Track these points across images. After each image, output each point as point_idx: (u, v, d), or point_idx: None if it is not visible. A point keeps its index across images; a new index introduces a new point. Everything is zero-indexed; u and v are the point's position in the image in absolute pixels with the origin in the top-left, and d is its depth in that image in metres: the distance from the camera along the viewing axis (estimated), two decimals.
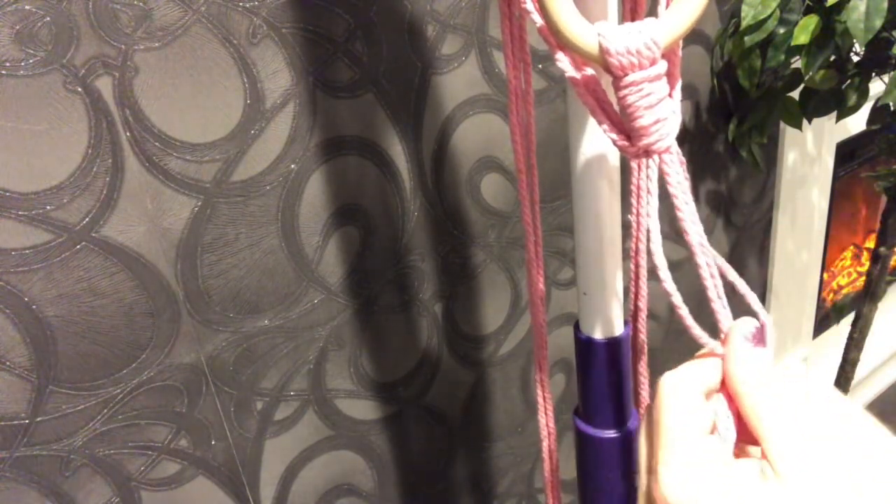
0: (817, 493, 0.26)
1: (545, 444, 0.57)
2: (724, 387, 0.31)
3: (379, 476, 0.84)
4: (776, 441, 0.28)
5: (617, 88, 0.31)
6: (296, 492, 0.77)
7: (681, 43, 0.32)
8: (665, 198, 0.32)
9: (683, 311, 0.33)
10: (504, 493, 0.99)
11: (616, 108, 0.33)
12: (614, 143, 0.33)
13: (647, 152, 0.32)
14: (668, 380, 0.31)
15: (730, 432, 0.30)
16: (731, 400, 0.31)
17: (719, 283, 0.33)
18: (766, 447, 0.28)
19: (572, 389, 1.01)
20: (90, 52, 0.53)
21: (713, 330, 0.34)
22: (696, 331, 0.33)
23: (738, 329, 0.31)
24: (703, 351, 0.33)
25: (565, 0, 0.30)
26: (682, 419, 0.29)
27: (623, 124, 0.32)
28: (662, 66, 0.30)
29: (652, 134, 0.31)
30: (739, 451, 0.31)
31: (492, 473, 0.96)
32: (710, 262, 0.33)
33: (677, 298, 0.32)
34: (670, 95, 0.32)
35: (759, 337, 0.31)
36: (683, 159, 0.32)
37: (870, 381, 1.74)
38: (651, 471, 0.30)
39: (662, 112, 0.31)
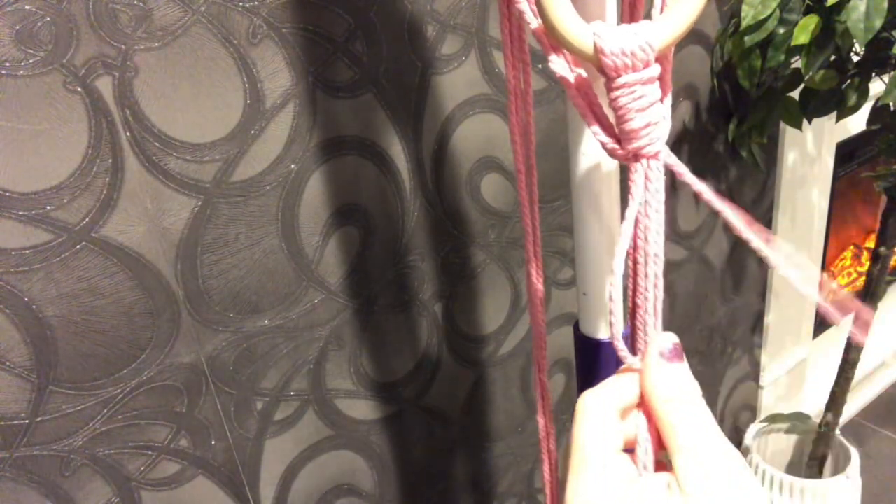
0: None
1: (545, 444, 0.57)
2: (643, 402, 0.32)
3: (379, 476, 0.84)
4: (683, 455, 0.29)
5: (609, 90, 0.31)
6: (296, 492, 0.77)
7: (673, 49, 0.32)
8: (668, 196, 0.33)
9: (616, 325, 0.33)
10: (504, 493, 0.99)
11: (607, 111, 0.33)
12: (604, 146, 0.33)
13: (637, 156, 0.32)
14: (585, 398, 0.32)
15: (646, 447, 0.31)
16: (650, 415, 0.31)
17: (660, 296, 0.33)
18: (674, 460, 0.29)
19: (572, 389, 1.01)
20: (90, 52, 0.53)
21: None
22: (620, 345, 0.33)
23: (654, 344, 0.32)
24: (622, 367, 0.33)
25: None
26: (592, 438, 0.30)
27: (613, 128, 0.33)
28: (656, 69, 0.30)
29: (642, 137, 0.31)
30: (661, 466, 0.31)
31: (492, 473, 0.96)
32: (659, 274, 0.33)
33: (616, 307, 0.32)
34: (661, 101, 0.32)
35: (677, 352, 0.31)
36: (681, 164, 0.32)
37: (870, 381, 1.74)
38: (562, 487, 0.31)
39: (653, 116, 0.31)
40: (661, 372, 0.31)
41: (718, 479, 0.27)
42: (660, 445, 0.31)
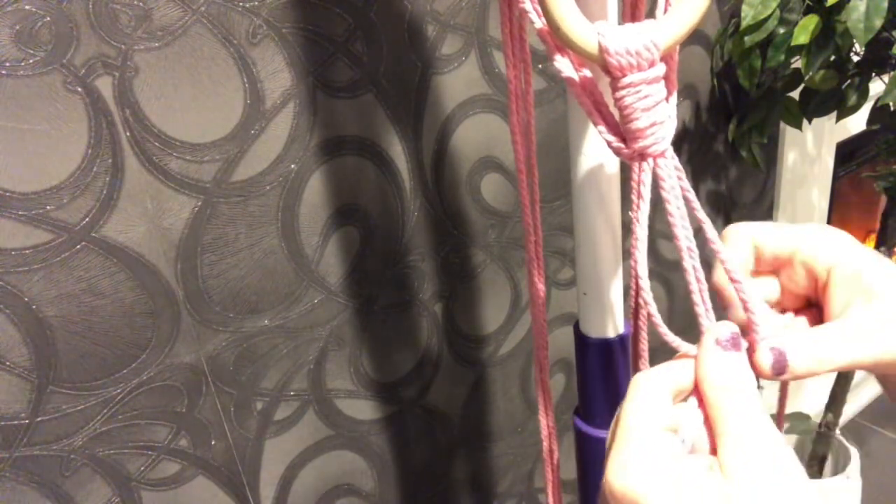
0: (758, 498, 0.27)
1: (545, 444, 0.57)
2: (697, 389, 0.32)
3: (379, 476, 0.84)
4: (729, 441, 0.29)
5: (615, 89, 0.31)
6: (296, 492, 0.77)
7: (678, 48, 0.32)
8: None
9: (657, 318, 0.34)
10: (504, 493, 0.99)
11: (612, 110, 0.33)
12: (610, 145, 0.33)
13: (643, 155, 0.32)
14: (639, 378, 0.32)
15: (692, 432, 0.31)
16: (702, 402, 0.31)
17: (705, 287, 0.34)
18: (719, 445, 0.29)
19: (572, 389, 1.01)
20: (90, 52, 0.53)
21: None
22: (668, 335, 0.34)
23: (711, 332, 0.32)
24: (679, 353, 0.34)
25: None
26: (640, 415, 0.30)
27: (619, 127, 0.33)
28: (661, 68, 0.30)
29: (648, 137, 0.31)
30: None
31: (492, 473, 0.96)
32: (697, 266, 0.33)
33: (652, 308, 0.34)
34: (667, 100, 0.32)
35: (735, 342, 0.31)
36: (680, 166, 0.32)
37: (870, 381, 1.74)
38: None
39: (659, 115, 0.31)
40: (716, 359, 0.31)
41: (761, 466, 0.27)
42: (709, 431, 0.31)
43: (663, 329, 0.34)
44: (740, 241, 0.36)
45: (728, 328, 0.32)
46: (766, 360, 0.32)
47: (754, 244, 0.36)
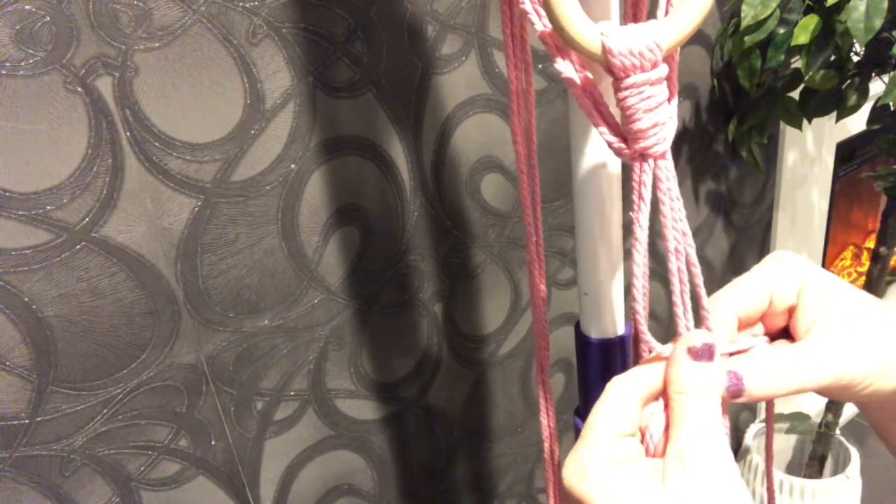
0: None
1: (546, 444, 0.57)
2: (665, 391, 0.32)
3: (379, 476, 0.84)
4: (674, 448, 0.30)
5: (617, 90, 0.31)
6: (296, 492, 0.77)
7: (679, 49, 0.32)
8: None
9: (640, 318, 0.34)
10: (504, 493, 0.99)
11: (613, 110, 0.33)
12: (610, 146, 0.33)
13: (644, 156, 0.32)
14: (613, 381, 0.33)
15: (657, 433, 0.32)
16: (668, 406, 0.32)
17: (687, 289, 0.34)
18: (667, 449, 0.30)
19: (572, 389, 1.01)
20: (90, 52, 0.53)
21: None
22: (646, 334, 0.34)
23: (685, 338, 0.32)
24: (651, 355, 0.34)
25: None
26: (602, 418, 0.32)
27: (620, 127, 0.33)
28: (664, 69, 0.30)
29: (649, 137, 0.31)
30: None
31: (492, 473, 0.96)
32: (683, 269, 0.33)
33: (639, 307, 0.34)
34: (669, 101, 0.32)
35: (707, 351, 0.32)
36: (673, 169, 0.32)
37: None
38: None
39: (661, 116, 0.31)
40: (683, 365, 0.32)
41: (697, 478, 0.28)
42: (666, 434, 0.32)
43: (643, 328, 0.34)
44: (722, 318, 0.36)
45: (702, 337, 0.32)
46: (722, 384, 0.32)
47: (737, 315, 0.36)
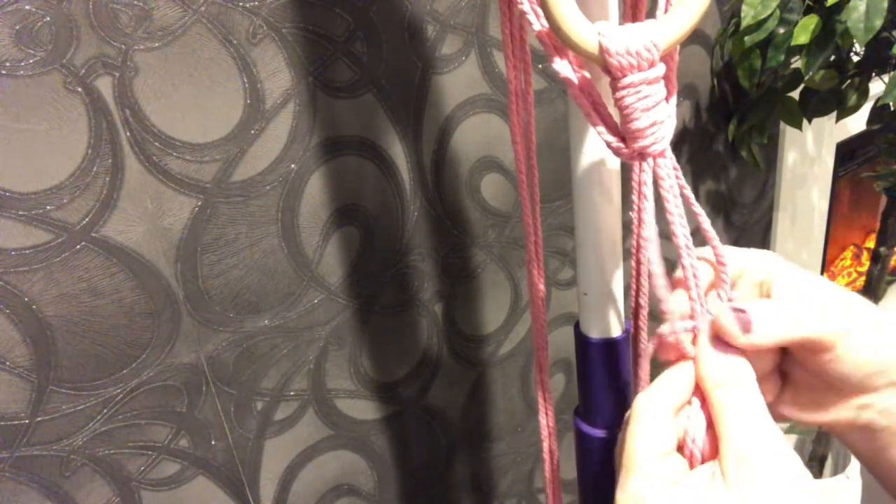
0: None
1: (546, 444, 0.57)
2: (699, 389, 0.32)
3: (379, 476, 0.84)
4: (729, 446, 0.29)
5: (615, 90, 0.31)
6: (296, 492, 0.77)
7: (678, 48, 0.32)
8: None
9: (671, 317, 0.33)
10: (504, 493, 0.99)
11: (611, 110, 0.33)
12: (609, 145, 0.33)
13: (642, 155, 0.32)
14: (639, 399, 0.32)
15: (699, 438, 0.31)
16: (705, 403, 0.31)
17: (701, 285, 0.34)
18: (720, 449, 0.29)
19: (572, 389, 1.01)
20: (90, 52, 0.53)
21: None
22: (682, 335, 0.34)
23: (707, 331, 0.32)
24: (649, 347, 0.34)
25: None
26: (641, 441, 0.30)
27: (618, 127, 0.33)
28: (661, 68, 0.30)
29: (647, 136, 0.31)
30: (716, 452, 0.31)
31: (492, 473, 0.96)
32: (695, 264, 0.33)
33: (665, 305, 0.33)
34: (667, 100, 0.32)
35: (745, 321, 0.31)
36: (677, 165, 0.32)
37: None
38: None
39: (659, 115, 0.31)
40: (713, 357, 0.31)
41: (761, 472, 0.27)
42: (711, 433, 0.31)
43: (675, 324, 0.33)
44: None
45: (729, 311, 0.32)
46: (730, 322, 0.31)
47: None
